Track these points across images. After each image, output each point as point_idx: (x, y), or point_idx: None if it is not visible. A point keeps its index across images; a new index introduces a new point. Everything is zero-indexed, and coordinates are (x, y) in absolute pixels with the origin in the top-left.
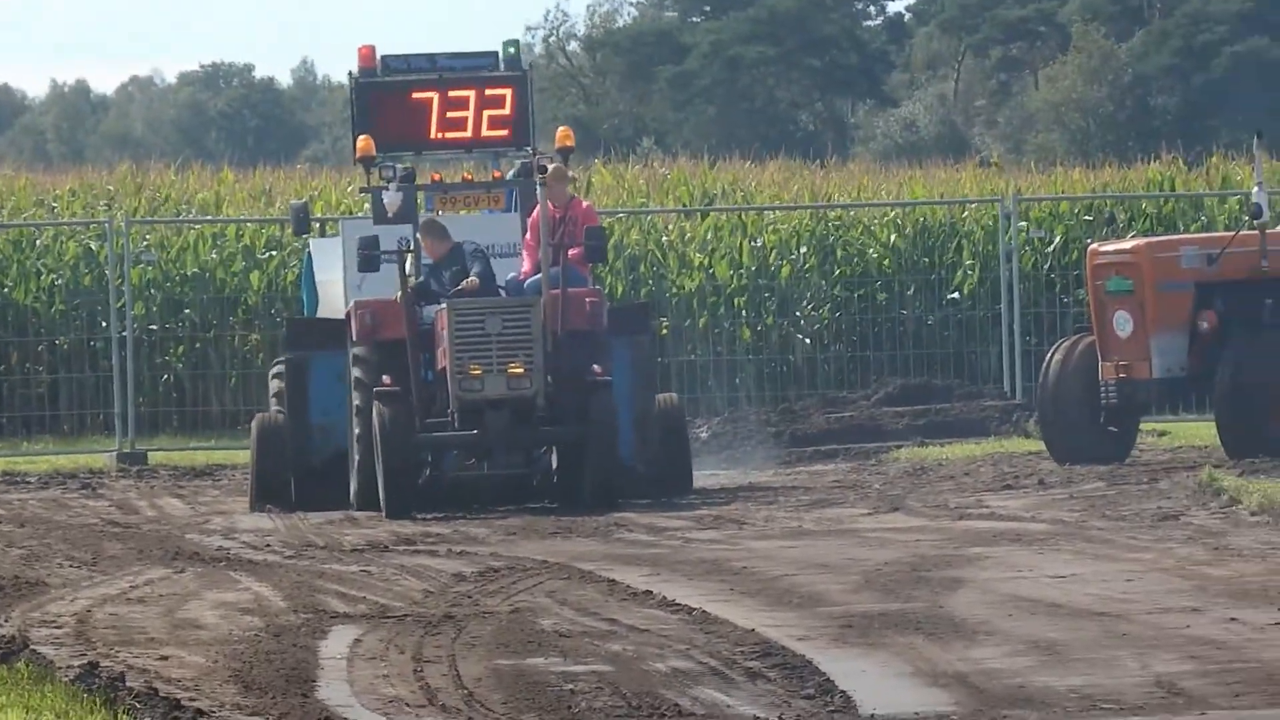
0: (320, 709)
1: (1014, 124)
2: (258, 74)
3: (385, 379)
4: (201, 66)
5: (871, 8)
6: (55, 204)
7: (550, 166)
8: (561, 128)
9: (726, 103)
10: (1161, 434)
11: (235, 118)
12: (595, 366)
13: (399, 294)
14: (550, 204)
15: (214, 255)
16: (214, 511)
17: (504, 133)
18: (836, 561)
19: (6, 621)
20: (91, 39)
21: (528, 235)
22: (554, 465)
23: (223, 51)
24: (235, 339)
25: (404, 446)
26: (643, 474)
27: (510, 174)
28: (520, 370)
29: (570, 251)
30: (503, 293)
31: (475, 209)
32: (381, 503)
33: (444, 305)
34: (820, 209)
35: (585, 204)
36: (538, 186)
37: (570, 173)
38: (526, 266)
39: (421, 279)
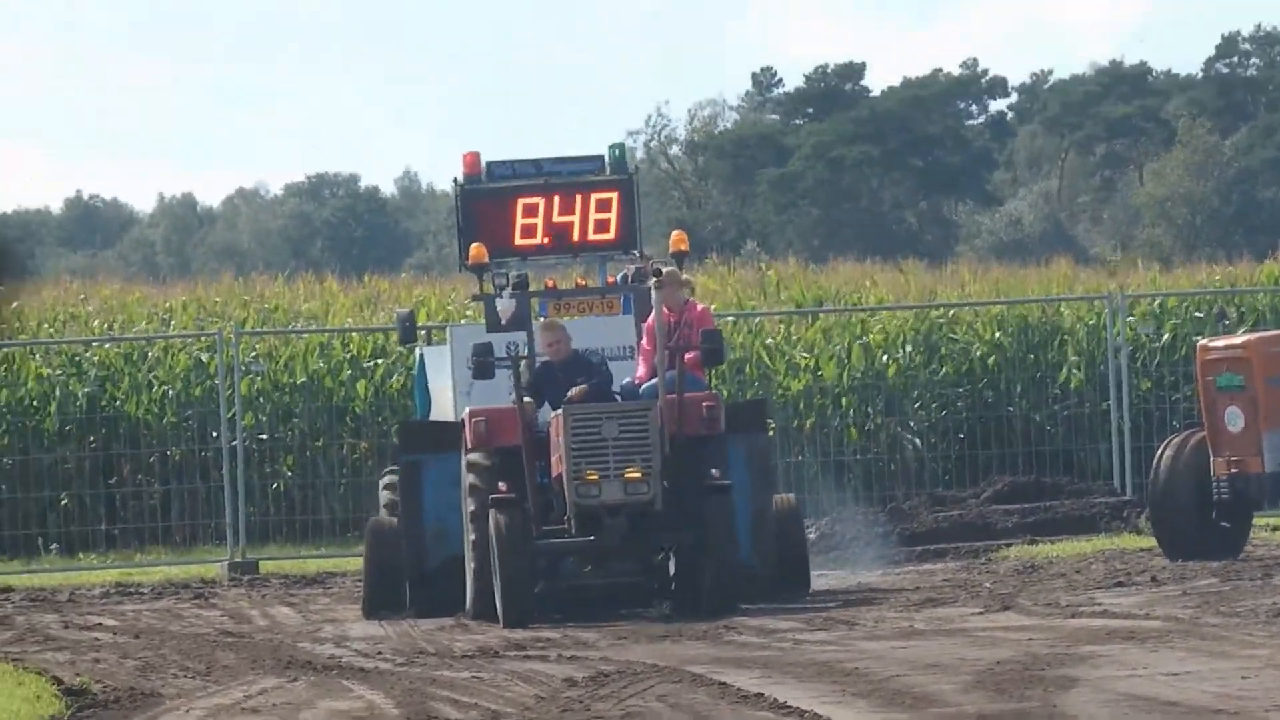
0: None
1: (1119, 221)
2: (363, 183)
3: (501, 486)
4: (307, 177)
5: (974, 107)
6: (167, 316)
7: (666, 270)
8: (676, 231)
9: (829, 204)
10: (1275, 529)
11: (340, 227)
12: (714, 470)
13: (513, 400)
14: (665, 308)
15: (321, 364)
16: (325, 619)
17: (610, 236)
18: (948, 661)
19: None
20: (198, 151)
21: (643, 340)
22: (671, 571)
23: (327, 162)
24: (343, 447)
25: (521, 554)
26: (759, 574)
27: (621, 276)
28: (638, 475)
29: (687, 355)
30: (618, 398)
31: (589, 314)
32: (499, 611)
33: (560, 411)
34: (926, 308)
35: (700, 307)
36: (652, 291)
37: (685, 276)
38: (642, 372)
39: (532, 380)
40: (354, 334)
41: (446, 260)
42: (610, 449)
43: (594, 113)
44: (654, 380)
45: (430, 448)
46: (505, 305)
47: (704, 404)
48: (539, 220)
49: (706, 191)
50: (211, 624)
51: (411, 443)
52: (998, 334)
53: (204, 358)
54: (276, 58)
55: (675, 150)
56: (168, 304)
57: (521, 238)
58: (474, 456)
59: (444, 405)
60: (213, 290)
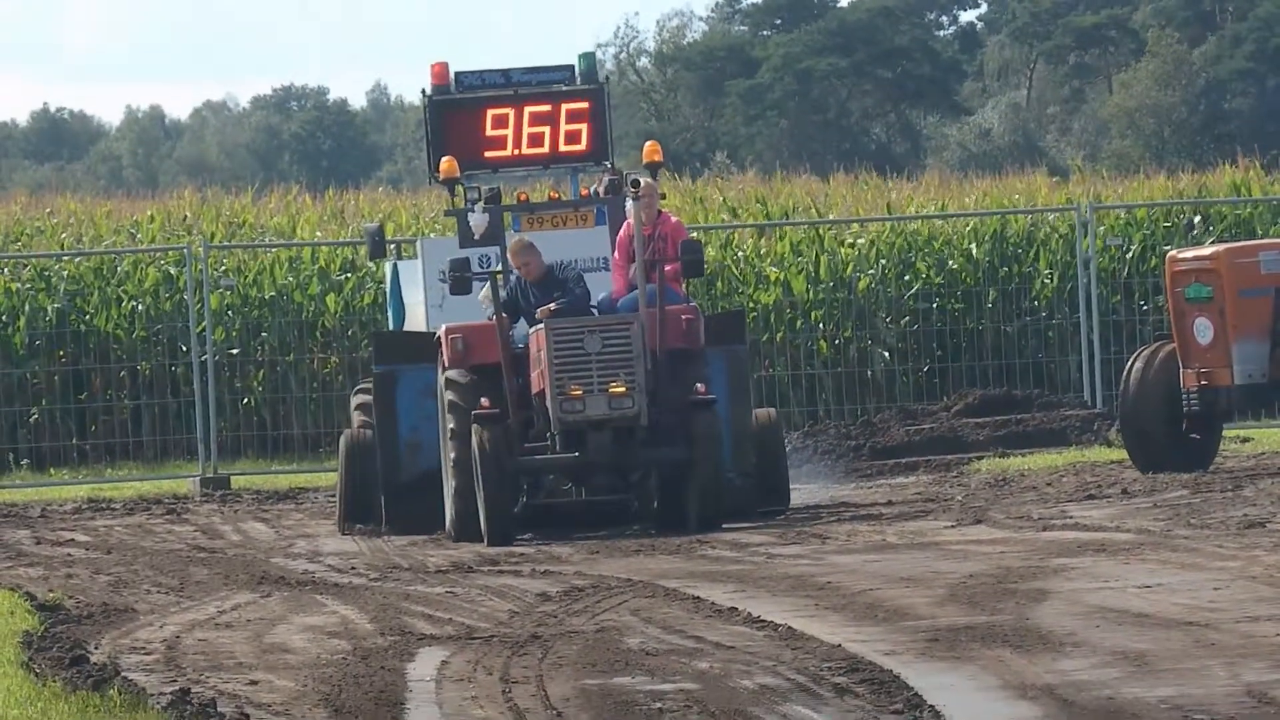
0: None
1: (1088, 131)
2: (331, 96)
3: (483, 402)
4: (274, 90)
5: (943, 18)
6: (135, 230)
7: (642, 182)
8: (649, 142)
9: (798, 115)
10: (1244, 440)
11: (309, 140)
12: (699, 385)
13: (491, 316)
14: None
15: (290, 279)
16: (298, 535)
17: (582, 147)
18: (921, 575)
19: (97, 649)
20: (165, 64)
21: (616, 254)
22: (654, 488)
23: (295, 74)
24: (314, 362)
25: (505, 471)
26: (739, 488)
27: (593, 189)
28: (622, 389)
29: (666, 268)
30: (595, 313)
31: (563, 227)
32: (483, 530)
33: (540, 326)
34: (897, 221)
35: (675, 219)
36: (628, 203)
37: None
38: (618, 286)
39: (506, 296)
40: (323, 248)
41: (415, 173)
42: (594, 363)
43: (562, 25)
44: (631, 294)
45: (404, 358)
46: (478, 220)
47: (684, 317)
48: (509, 131)
49: (675, 104)
50: (184, 539)
51: (385, 353)
52: (969, 245)
53: (173, 272)
54: None
55: (644, 62)
56: (135, 218)
57: (491, 149)
58: (452, 374)
59: (416, 318)
60: (181, 204)
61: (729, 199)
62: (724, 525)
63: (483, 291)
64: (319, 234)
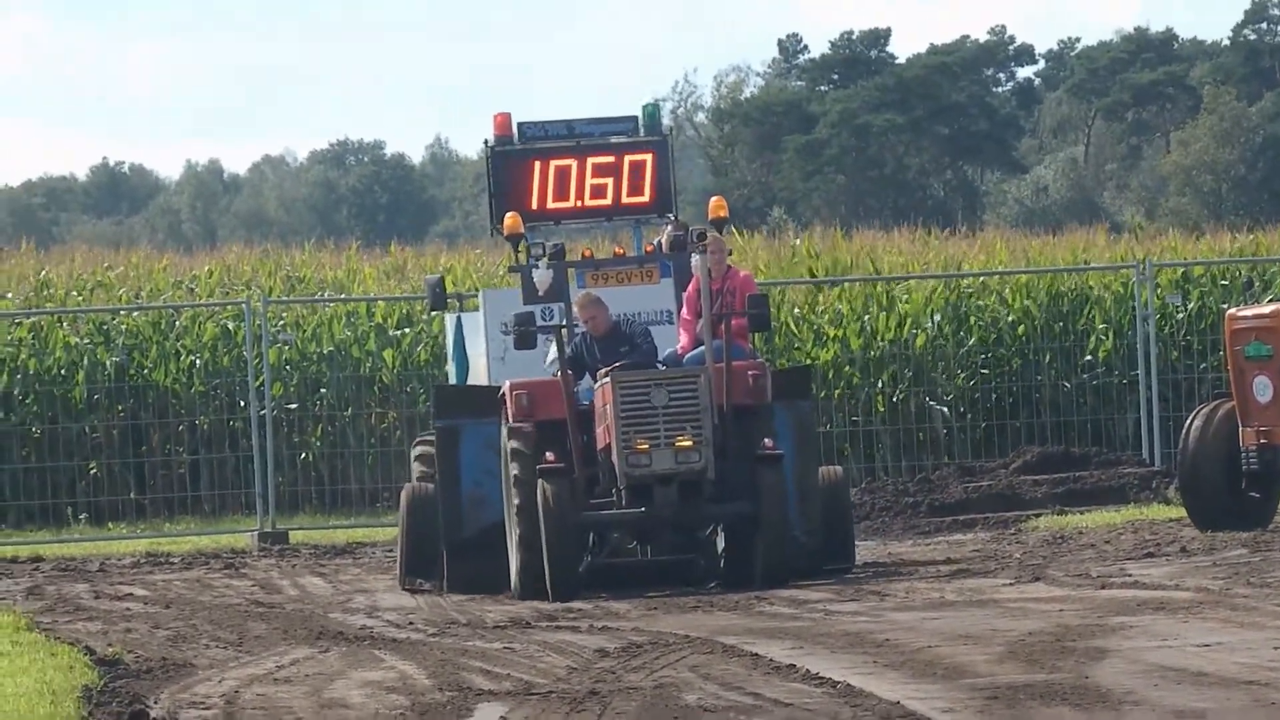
0: None
1: (1146, 188)
2: (388, 150)
3: (549, 455)
4: (331, 145)
5: (1001, 74)
6: (194, 285)
7: (710, 235)
8: (715, 197)
9: (855, 171)
10: None
11: (366, 194)
12: (766, 440)
13: (557, 373)
14: (709, 274)
15: (348, 334)
16: (356, 590)
17: (645, 199)
18: (979, 632)
19: (156, 703)
20: (225, 119)
21: (683, 310)
22: (720, 547)
23: (353, 129)
24: (372, 417)
25: (570, 525)
26: (804, 546)
27: (657, 243)
28: (689, 444)
29: (733, 322)
30: (662, 369)
31: (628, 283)
32: (548, 585)
33: (606, 380)
34: (954, 277)
35: (744, 273)
36: (694, 257)
37: (726, 243)
38: (685, 341)
39: (571, 352)
40: (380, 302)
41: (473, 228)
42: (660, 417)
43: (621, 81)
44: (698, 349)
45: (467, 413)
46: (542, 276)
47: (750, 373)
48: (572, 182)
49: (733, 159)
50: (242, 594)
51: (448, 407)
52: (1026, 302)
53: (231, 326)
54: (304, 25)
55: (701, 117)
56: (194, 272)
57: (554, 200)
58: (517, 425)
59: (478, 370)
60: (240, 259)
61: (795, 254)
62: (790, 584)
63: (550, 351)
64: (376, 289)
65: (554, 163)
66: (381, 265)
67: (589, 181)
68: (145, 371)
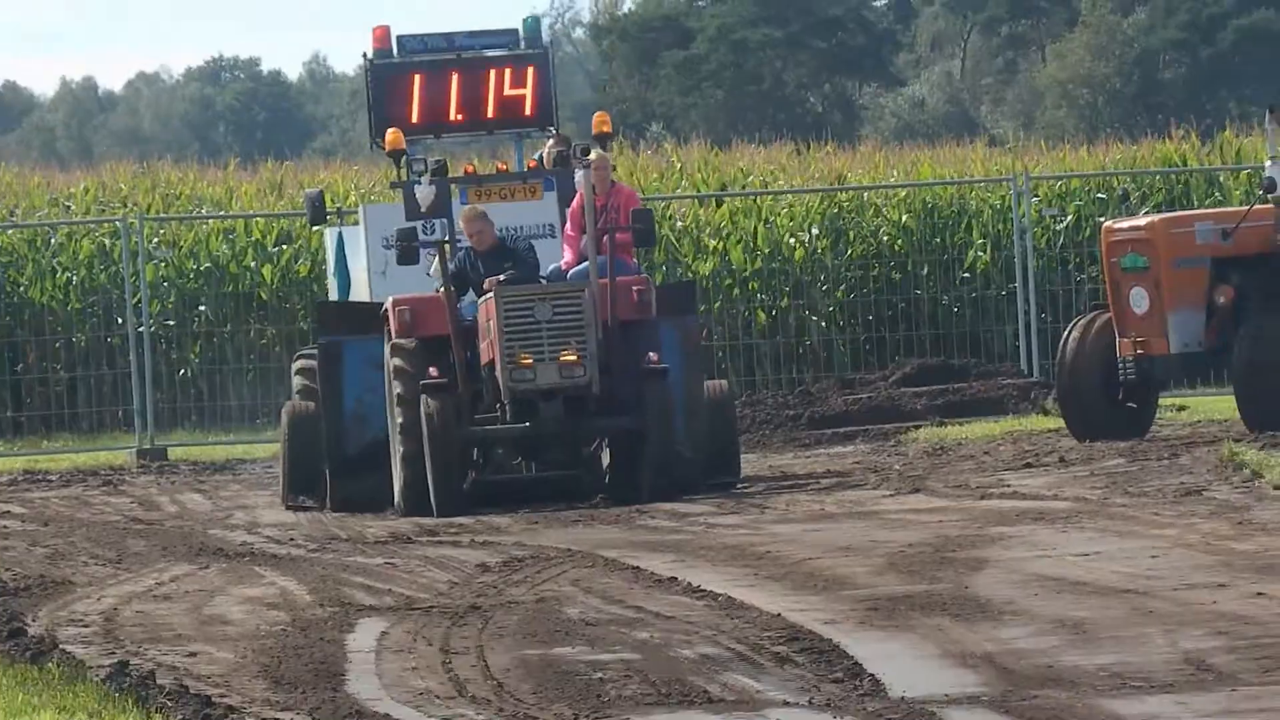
0: (351, 703)
1: (1022, 101)
2: (264, 67)
3: (432, 371)
4: (207, 61)
5: None
6: (69, 203)
7: (594, 152)
8: (598, 113)
9: (734, 86)
10: (1180, 409)
11: (243, 112)
12: (651, 354)
13: (439, 288)
14: (593, 190)
15: (226, 250)
16: (236, 506)
17: (527, 113)
18: (860, 544)
19: (34, 621)
20: (98, 35)
21: (567, 226)
22: (605, 463)
23: (230, 46)
24: (251, 333)
25: (455, 441)
26: (690, 460)
27: (540, 156)
28: (573, 358)
29: (618, 237)
30: (546, 284)
31: (511, 199)
32: (432, 501)
33: (490, 295)
34: (832, 191)
35: (628, 189)
36: (578, 174)
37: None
38: (569, 257)
39: (454, 268)
40: (258, 219)
41: (351, 144)
42: (544, 332)
43: None
44: (582, 265)
45: (349, 329)
46: (424, 192)
47: (635, 288)
48: (452, 95)
49: (611, 75)
50: (121, 511)
51: (330, 324)
52: (904, 217)
53: (108, 243)
54: None
55: (579, 33)
56: (70, 190)
57: (434, 114)
58: (400, 341)
59: (359, 286)
60: (116, 176)
61: (675, 169)
62: (676, 498)
63: (433, 265)
64: (254, 206)
65: (434, 75)
66: (259, 182)
67: (469, 94)
68: (21, 289)
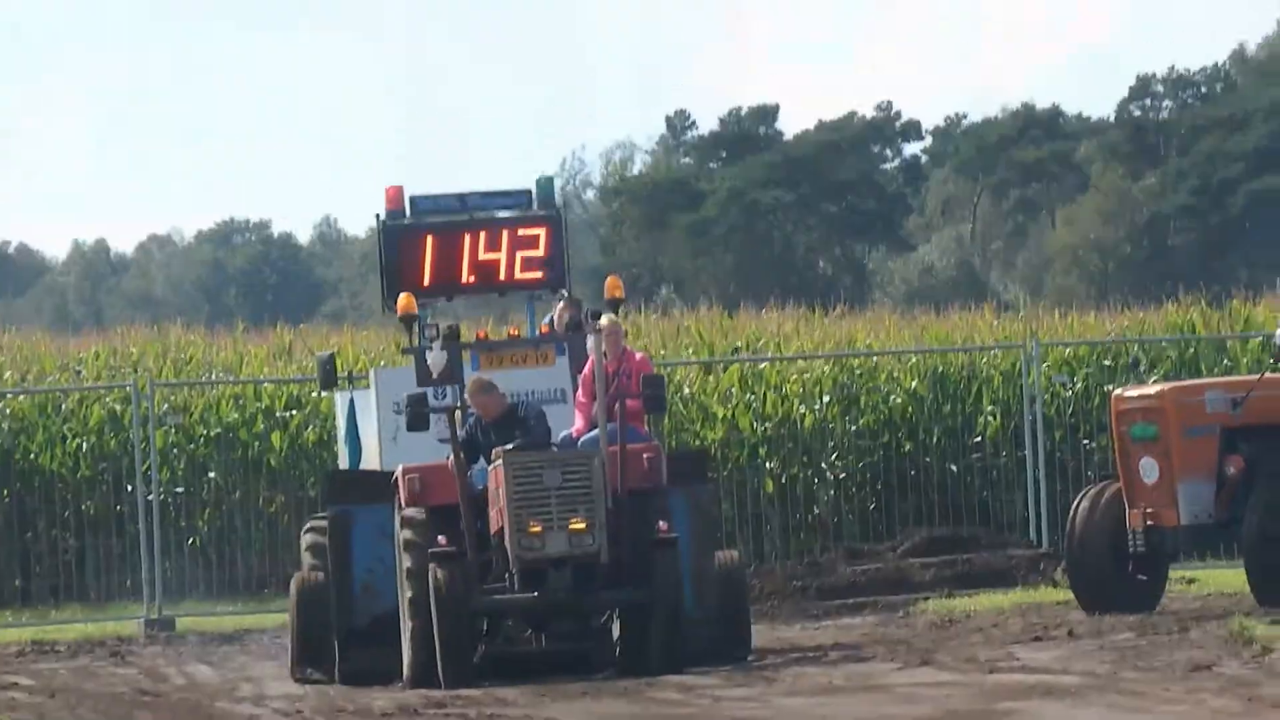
0: None
1: (1031, 266)
2: (275, 230)
3: (441, 540)
4: (217, 224)
5: (888, 150)
6: (80, 367)
7: (605, 319)
8: (610, 277)
9: (744, 249)
10: (1190, 581)
11: (254, 274)
12: (660, 524)
13: (449, 456)
14: (604, 356)
15: (236, 416)
16: (243, 678)
17: (539, 275)
18: (869, 718)
19: None
20: (110, 199)
21: (579, 392)
22: (615, 634)
23: (241, 208)
24: (259, 500)
25: (463, 611)
26: (701, 632)
27: (549, 319)
28: (582, 526)
29: (629, 403)
30: (555, 450)
31: (523, 365)
32: (439, 672)
33: (499, 462)
34: (843, 356)
35: (640, 355)
36: (589, 339)
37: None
38: (580, 424)
39: (465, 435)
40: (268, 384)
41: (361, 309)
42: (553, 499)
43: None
44: (593, 433)
45: (359, 498)
46: (436, 358)
47: (645, 455)
48: (464, 257)
49: (621, 237)
50: (129, 683)
51: (339, 493)
52: (914, 383)
53: (118, 409)
54: (188, 99)
55: (590, 195)
56: (80, 354)
57: (447, 275)
58: (409, 512)
59: (370, 451)
60: (126, 340)
61: (684, 333)
62: (686, 670)
63: (445, 431)
64: (265, 370)
65: (446, 236)
66: (269, 346)
67: (482, 256)
68: (31, 455)
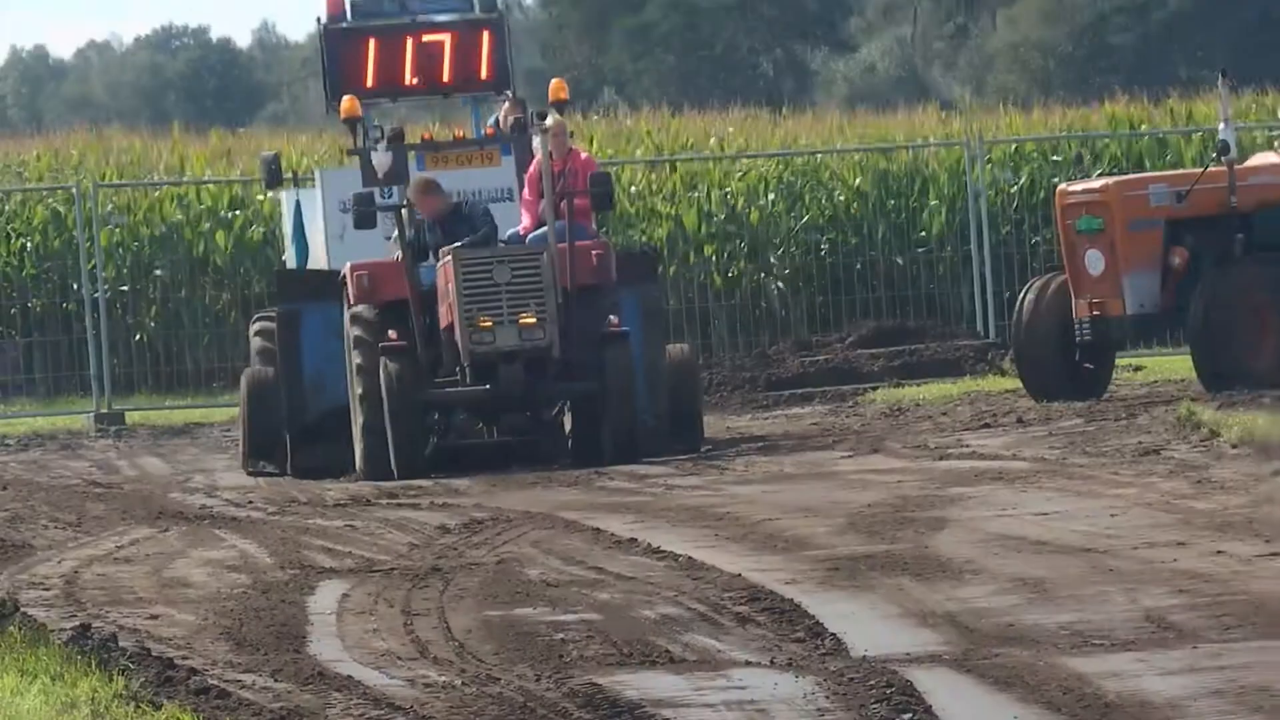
0: (313, 664)
1: (973, 66)
2: (214, 34)
3: (391, 334)
4: (157, 30)
5: None
6: (22, 169)
7: (550, 118)
8: (555, 80)
9: (686, 51)
10: (1137, 369)
11: (193, 79)
12: (611, 318)
13: (398, 253)
14: (551, 156)
15: (180, 216)
16: (194, 469)
17: (483, 76)
18: (819, 504)
19: None
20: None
21: (525, 191)
22: (567, 427)
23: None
24: (206, 298)
25: (414, 403)
26: (653, 428)
27: (494, 120)
28: (533, 320)
29: (576, 202)
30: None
31: (468, 165)
32: (392, 465)
33: (448, 258)
34: (788, 155)
35: (585, 154)
36: (534, 139)
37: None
38: (527, 222)
39: (412, 235)
40: (211, 185)
41: (301, 112)
42: (504, 294)
43: None
44: (541, 230)
45: (307, 296)
46: (381, 159)
47: (594, 252)
48: (407, 60)
49: (562, 41)
50: (80, 475)
51: (289, 291)
52: (859, 180)
53: (62, 210)
54: None
55: (529, 0)
56: (22, 156)
57: (390, 77)
58: (359, 309)
59: (317, 250)
60: (69, 143)
61: (621, 134)
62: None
63: (393, 231)
64: (206, 173)
65: (388, 39)
66: (210, 149)
67: (424, 58)
68: None
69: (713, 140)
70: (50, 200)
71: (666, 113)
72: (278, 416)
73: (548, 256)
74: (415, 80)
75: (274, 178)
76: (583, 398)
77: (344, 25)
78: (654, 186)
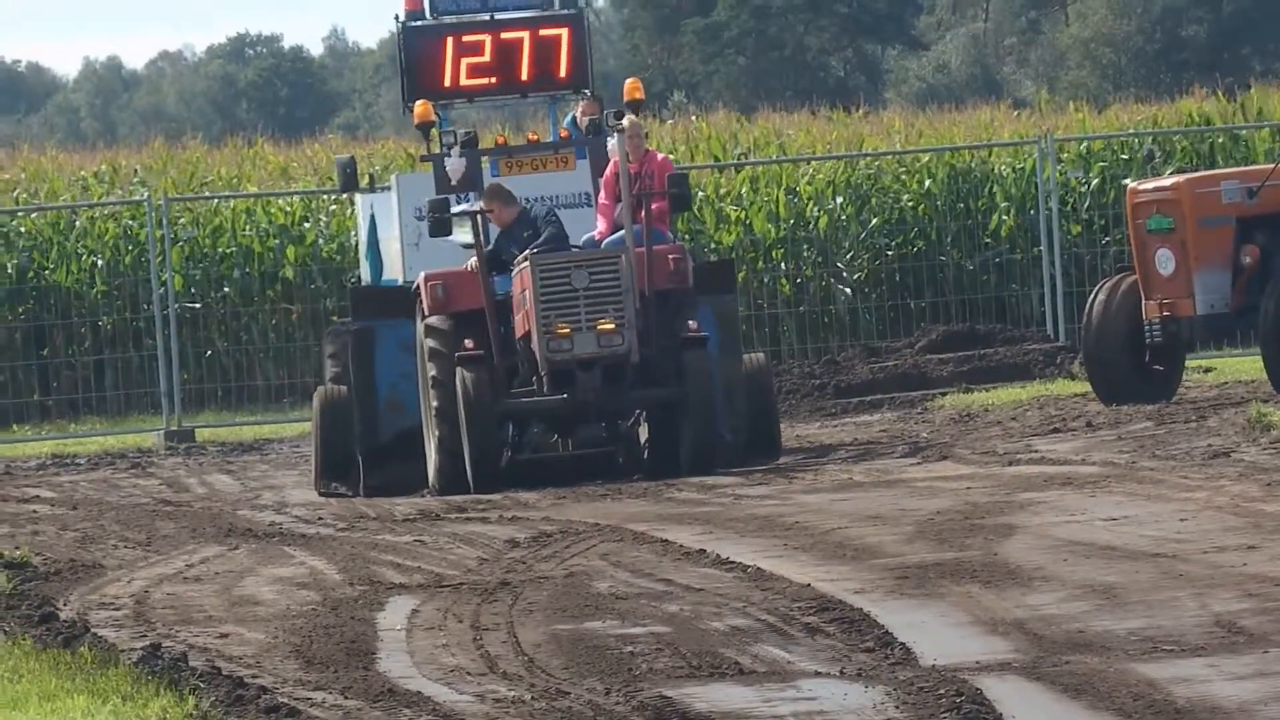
0: (383, 681)
1: (1045, 62)
2: (286, 43)
3: (468, 343)
4: (229, 39)
5: None
6: (86, 184)
7: (626, 119)
8: (630, 80)
9: (756, 52)
10: (1207, 370)
11: (266, 88)
12: (690, 323)
13: (472, 261)
14: (627, 158)
15: (249, 230)
16: (264, 486)
17: (561, 75)
18: (888, 512)
19: (65, 605)
20: (121, 15)
21: (600, 195)
22: (644, 439)
23: (252, 23)
24: (275, 313)
25: (491, 413)
26: (730, 440)
27: (570, 119)
28: (611, 326)
29: (653, 205)
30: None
31: (543, 170)
32: (469, 477)
33: (525, 264)
34: (855, 158)
35: (661, 156)
36: (610, 141)
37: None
38: (603, 227)
39: (490, 246)
40: (281, 199)
41: (374, 119)
42: (581, 299)
43: None
44: (617, 234)
45: (382, 314)
46: (454, 165)
47: (671, 256)
48: (486, 58)
49: (633, 44)
50: (149, 493)
51: (363, 308)
52: (927, 182)
53: (133, 226)
54: None
55: (601, 2)
56: (93, 170)
57: (468, 77)
58: (433, 321)
59: (391, 257)
60: (137, 156)
61: (697, 137)
62: (716, 473)
63: (466, 236)
64: (279, 185)
65: (467, 37)
66: (284, 160)
67: (503, 57)
68: (46, 273)
69: (774, 143)
70: (121, 216)
71: (736, 115)
72: (351, 436)
73: (626, 260)
74: (494, 79)
75: (349, 181)
76: (661, 405)
77: (423, 23)
78: (721, 192)
